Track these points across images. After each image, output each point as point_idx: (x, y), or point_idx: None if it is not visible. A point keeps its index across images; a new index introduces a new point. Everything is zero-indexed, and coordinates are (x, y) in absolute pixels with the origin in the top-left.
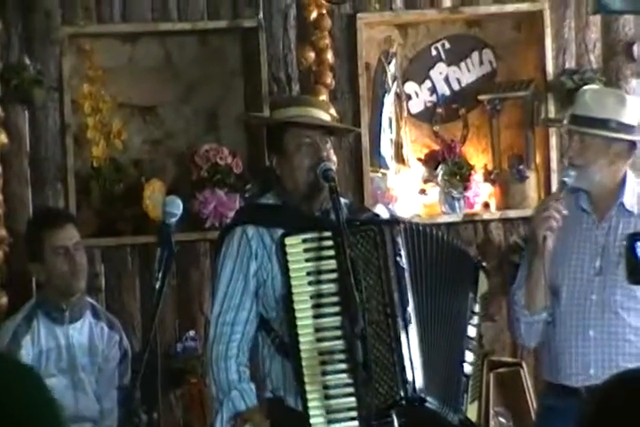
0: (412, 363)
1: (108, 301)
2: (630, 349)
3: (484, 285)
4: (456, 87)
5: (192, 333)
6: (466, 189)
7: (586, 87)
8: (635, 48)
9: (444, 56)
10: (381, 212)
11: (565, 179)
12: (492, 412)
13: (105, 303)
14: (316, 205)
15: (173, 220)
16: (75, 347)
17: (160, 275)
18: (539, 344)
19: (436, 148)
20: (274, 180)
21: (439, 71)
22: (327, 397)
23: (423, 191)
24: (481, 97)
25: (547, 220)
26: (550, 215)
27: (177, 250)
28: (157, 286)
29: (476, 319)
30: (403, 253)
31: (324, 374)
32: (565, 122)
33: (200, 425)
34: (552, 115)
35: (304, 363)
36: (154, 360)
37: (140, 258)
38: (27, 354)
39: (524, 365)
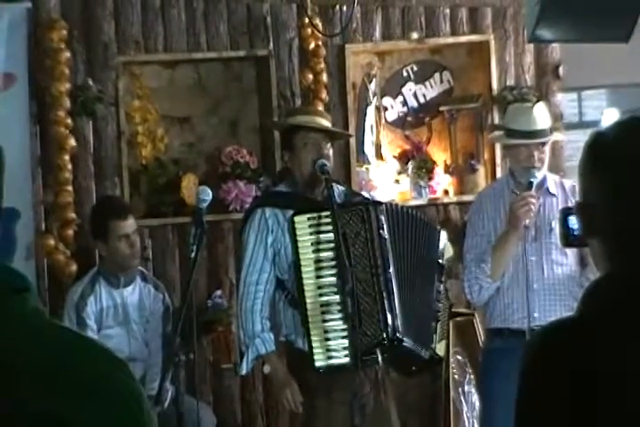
0: (392, 311)
1: (154, 267)
2: (564, 292)
3: (449, 250)
4: (422, 101)
5: (219, 292)
6: (430, 179)
7: (516, 107)
8: (560, 69)
9: (412, 77)
10: None
11: (532, 179)
12: (451, 351)
13: (152, 270)
14: (318, 192)
15: (204, 204)
16: (128, 305)
17: (194, 247)
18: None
19: (407, 148)
20: (285, 172)
21: (409, 88)
22: (326, 339)
23: (397, 181)
24: (441, 108)
25: (528, 212)
26: (530, 209)
27: (207, 228)
28: (192, 256)
29: (442, 277)
30: (385, 226)
31: (324, 321)
32: (520, 140)
33: (225, 363)
34: (496, 121)
35: (309, 313)
36: (190, 313)
37: (179, 234)
38: (91, 310)
39: (476, 315)
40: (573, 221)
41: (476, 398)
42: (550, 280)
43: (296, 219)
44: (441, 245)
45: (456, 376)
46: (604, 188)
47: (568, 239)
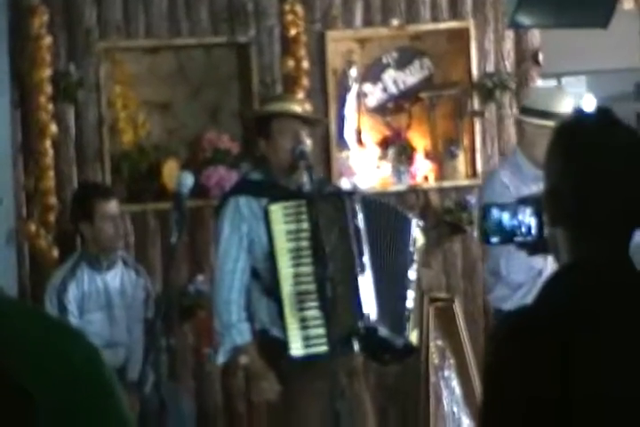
0: (367, 300)
1: (135, 253)
2: None
3: (420, 239)
4: (402, 87)
5: (201, 277)
6: (410, 165)
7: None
8: (540, 55)
9: (392, 63)
10: (345, 184)
11: None
12: (430, 336)
13: (134, 255)
14: (293, 180)
15: (185, 190)
16: (110, 290)
17: (175, 233)
18: None
19: (388, 134)
20: (261, 159)
21: (389, 75)
22: (303, 327)
23: (378, 167)
24: (421, 94)
25: None
26: None
27: (188, 214)
28: (173, 242)
29: (415, 266)
30: (359, 216)
31: (301, 310)
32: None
33: (206, 347)
34: (476, 108)
35: (285, 302)
36: (171, 299)
37: (160, 220)
38: (72, 295)
39: (455, 299)
40: (505, 217)
41: (455, 383)
42: None
43: (271, 208)
44: (413, 234)
45: (436, 361)
46: (572, 175)
47: (487, 235)
